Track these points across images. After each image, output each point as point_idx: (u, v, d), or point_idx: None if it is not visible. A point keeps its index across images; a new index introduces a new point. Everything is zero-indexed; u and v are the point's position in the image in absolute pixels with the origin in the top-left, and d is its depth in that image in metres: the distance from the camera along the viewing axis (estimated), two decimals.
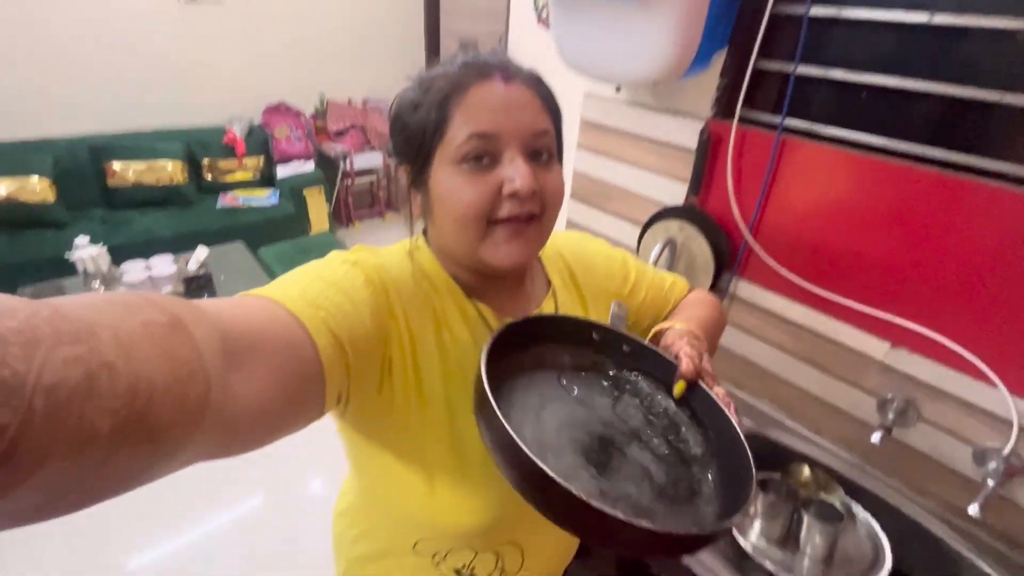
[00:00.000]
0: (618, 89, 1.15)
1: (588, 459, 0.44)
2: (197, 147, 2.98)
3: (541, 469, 0.34)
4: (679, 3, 0.86)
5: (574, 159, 1.33)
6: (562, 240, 0.67)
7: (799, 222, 0.96)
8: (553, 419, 0.47)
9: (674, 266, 1.12)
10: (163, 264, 2.10)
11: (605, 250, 0.69)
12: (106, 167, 2.75)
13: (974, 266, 0.79)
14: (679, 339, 0.53)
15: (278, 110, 3.26)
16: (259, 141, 3.20)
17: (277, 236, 2.82)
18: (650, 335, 0.59)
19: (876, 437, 0.88)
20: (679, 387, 0.50)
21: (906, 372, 0.89)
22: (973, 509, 0.78)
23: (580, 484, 0.39)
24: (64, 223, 2.57)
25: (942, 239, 0.81)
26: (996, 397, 0.80)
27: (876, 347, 0.91)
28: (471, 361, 0.50)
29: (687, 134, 1.06)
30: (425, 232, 0.57)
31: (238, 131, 3.08)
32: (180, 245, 2.48)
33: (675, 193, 1.12)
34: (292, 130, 3.24)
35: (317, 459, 1.79)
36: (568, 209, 1.40)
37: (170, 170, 2.85)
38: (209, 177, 3.04)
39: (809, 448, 0.99)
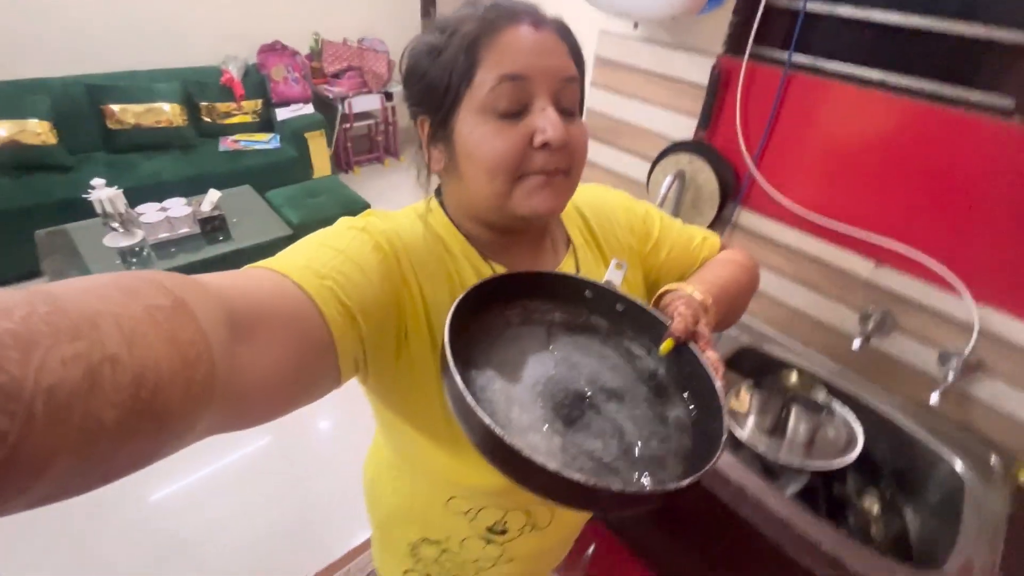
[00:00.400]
0: (636, 25, 1.19)
1: (557, 414, 0.44)
2: (194, 88, 2.93)
3: (480, 419, 0.34)
4: None
5: (588, 97, 1.38)
6: (581, 194, 0.64)
7: (799, 153, 1.05)
8: (531, 375, 0.46)
9: (682, 197, 1.21)
10: (177, 206, 2.15)
11: (626, 203, 0.67)
12: (104, 109, 2.71)
13: (949, 189, 0.89)
14: (677, 299, 0.51)
15: (273, 49, 3.18)
16: (256, 83, 3.15)
17: (281, 180, 2.84)
18: (655, 296, 0.57)
19: (856, 344, 1.01)
20: (666, 345, 0.48)
21: (887, 287, 1.01)
22: (934, 398, 0.92)
23: (536, 438, 0.40)
24: (69, 166, 2.57)
25: (925, 165, 0.91)
26: (961, 306, 0.92)
27: (862, 266, 1.02)
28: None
29: (699, 70, 1.12)
30: (438, 193, 0.56)
31: (234, 72, 3.02)
32: (187, 189, 2.51)
33: (685, 128, 1.19)
34: (289, 71, 3.19)
35: (323, 402, 1.90)
36: None
37: (168, 112, 2.82)
38: (208, 119, 3.01)
39: (798, 358, 1.13)
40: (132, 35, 2.86)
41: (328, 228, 0.47)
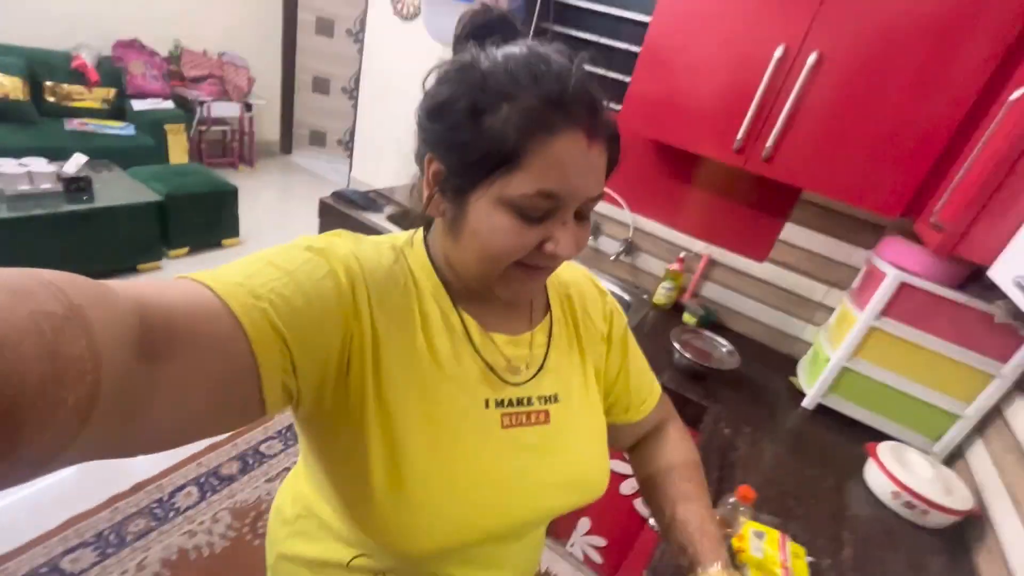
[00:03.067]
0: None
1: None
2: (41, 68, 2.94)
3: None
4: None
5: None
6: (571, 274, 0.66)
7: None
8: None
9: None
10: (38, 164, 2.23)
11: (602, 294, 0.68)
12: None
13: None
14: None
15: (132, 46, 3.32)
16: (110, 73, 3.23)
17: (133, 164, 2.94)
18: None
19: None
20: None
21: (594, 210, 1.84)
22: (612, 257, 1.74)
23: None
24: None
25: None
26: (625, 215, 1.77)
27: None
28: (444, 373, 0.49)
29: None
30: (426, 229, 0.55)
31: (88, 59, 3.09)
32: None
33: None
34: (148, 68, 3.34)
35: None
36: None
37: (7, 85, 2.79)
38: (52, 99, 3.00)
39: None
40: None
41: (282, 245, 0.44)
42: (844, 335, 1.26)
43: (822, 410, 1.33)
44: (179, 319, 0.32)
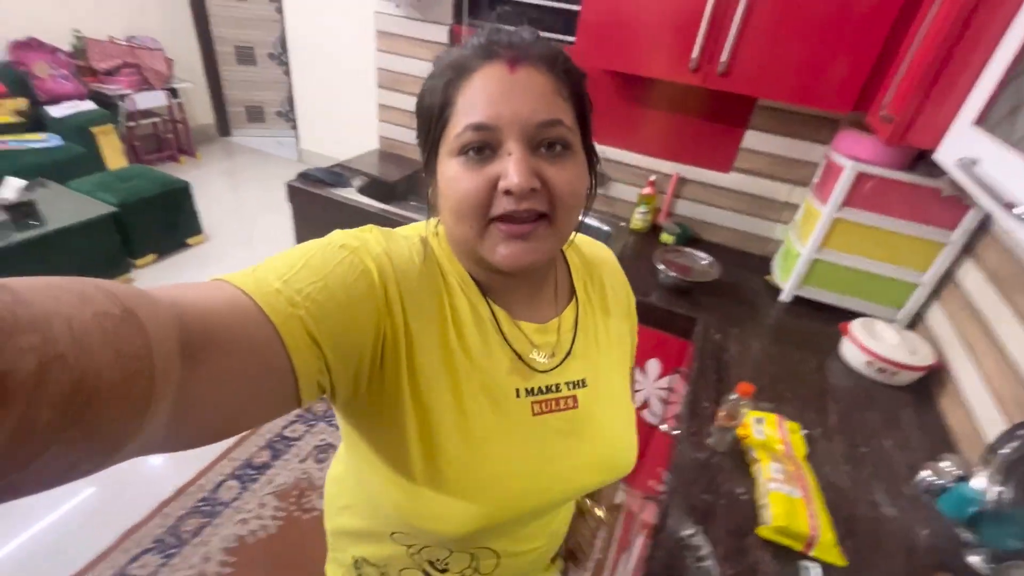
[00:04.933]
0: (398, 5, 1.85)
1: None
2: None
3: None
4: None
5: (376, 59, 2.00)
6: (597, 252, 0.66)
7: None
8: None
9: None
10: None
11: (621, 270, 0.68)
12: None
13: None
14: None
15: (30, 46, 3.02)
16: (13, 80, 2.96)
17: (69, 176, 2.76)
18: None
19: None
20: None
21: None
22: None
23: None
24: None
25: None
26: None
27: None
28: (475, 365, 0.50)
29: (441, 33, 1.83)
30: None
31: None
32: None
33: None
34: (54, 68, 3.06)
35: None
36: (378, 95, 2.07)
37: None
38: None
39: None
40: None
41: (318, 241, 0.45)
42: (811, 229, 1.37)
43: (798, 301, 1.45)
44: (217, 325, 0.33)
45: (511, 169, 0.43)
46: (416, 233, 0.53)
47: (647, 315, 1.42)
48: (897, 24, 1.06)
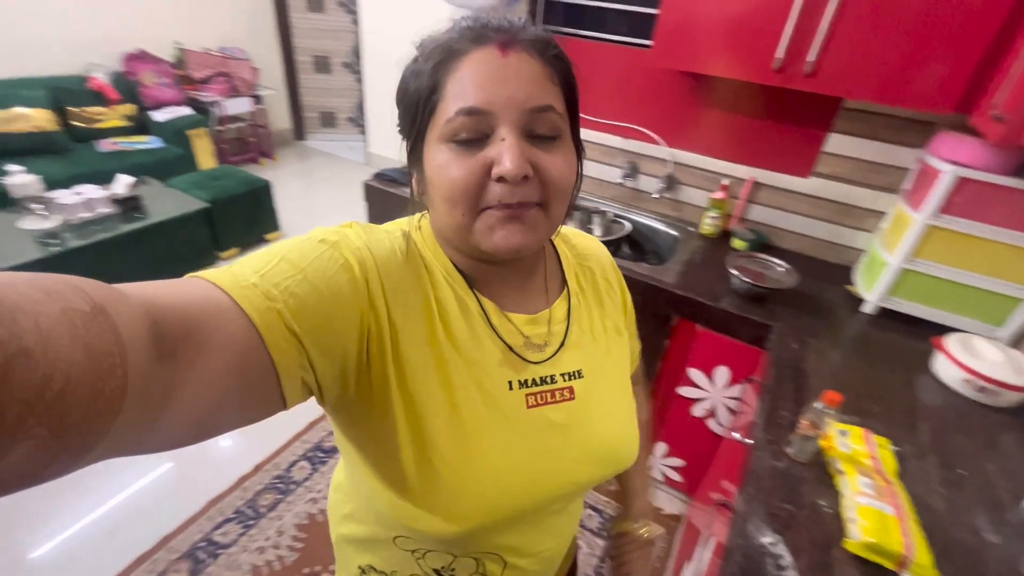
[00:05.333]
0: (474, 14, 1.91)
1: None
2: (63, 95, 3.01)
3: None
4: None
5: None
6: (588, 244, 0.65)
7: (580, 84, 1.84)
8: None
9: None
10: (91, 190, 2.35)
11: (611, 258, 0.68)
12: None
13: (645, 90, 1.74)
14: (635, 552, 0.68)
15: (140, 58, 3.35)
16: (125, 88, 3.29)
17: (169, 175, 3.05)
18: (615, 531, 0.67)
19: (620, 180, 1.83)
20: None
21: (631, 150, 1.84)
22: (654, 195, 1.77)
23: None
24: None
25: (632, 79, 1.74)
26: (662, 151, 1.78)
27: (618, 141, 1.85)
28: (464, 357, 0.49)
29: None
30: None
31: (102, 78, 3.15)
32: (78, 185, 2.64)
33: None
34: (158, 77, 3.38)
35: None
36: None
37: (36, 118, 2.88)
38: (79, 124, 3.09)
39: (596, 204, 1.93)
40: None
41: (297, 238, 0.44)
42: (900, 237, 1.29)
43: (883, 313, 1.37)
44: (191, 321, 0.32)
45: (504, 155, 0.42)
46: (398, 228, 0.52)
47: (716, 321, 1.38)
48: (1013, 15, 0.98)
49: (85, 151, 3.05)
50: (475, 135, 0.43)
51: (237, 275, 0.37)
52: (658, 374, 1.58)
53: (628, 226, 1.77)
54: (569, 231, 0.66)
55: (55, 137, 2.95)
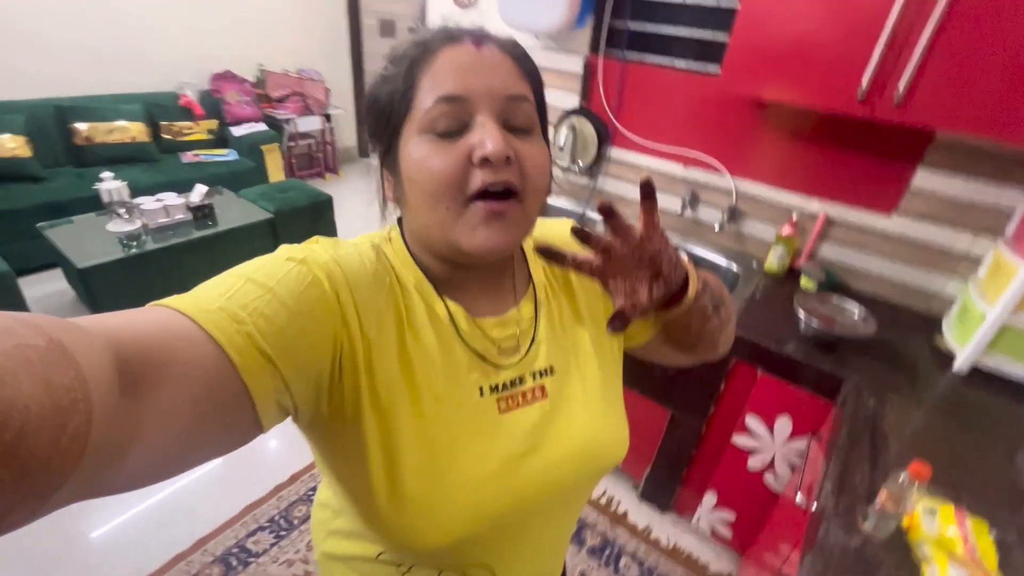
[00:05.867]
0: (537, 37, 1.91)
1: None
2: (155, 110, 3.30)
3: None
4: None
5: None
6: (549, 230, 0.61)
7: (639, 107, 1.79)
8: None
9: (576, 143, 1.92)
10: (170, 198, 2.52)
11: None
12: (71, 128, 3.00)
13: (707, 116, 1.66)
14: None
15: (225, 77, 3.61)
16: (210, 105, 3.55)
17: (241, 186, 3.24)
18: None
19: (679, 209, 1.75)
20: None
21: (691, 179, 1.76)
22: (716, 228, 1.67)
23: None
24: (41, 177, 2.82)
25: (695, 106, 1.68)
26: (725, 181, 1.69)
27: (677, 169, 1.78)
28: (434, 367, 0.48)
29: (576, 64, 1.85)
30: (400, 222, 0.54)
31: (192, 95, 3.41)
32: (160, 192, 2.85)
33: (572, 101, 1.92)
34: (241, 95, 3.63)
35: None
36: None
37: (133, 130, 3.15)
38: (168, 136, 3.36)
39: None
40: (98, 62, 3.19)
41: (263, 258, 0.43)
42: (1002, 288, 1.14)
43: (978, 372, 1.21)
44: (156, 351, 0.31)
45: (487, 138, 0.42)
46: (367, 240, 0.52)
47: (780, 367, 1.27)
48: None
49: (170, 161, 3.30)
50: (454, 123, 0.44)
51: (201, 299, 0.36)
52: (711, 418, 1.47)
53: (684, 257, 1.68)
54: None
55: (146, 148, 3.21)
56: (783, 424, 1.32)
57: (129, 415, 0.27)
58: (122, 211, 2.34)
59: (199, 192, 2.58)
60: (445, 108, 0.43)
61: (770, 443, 1.36)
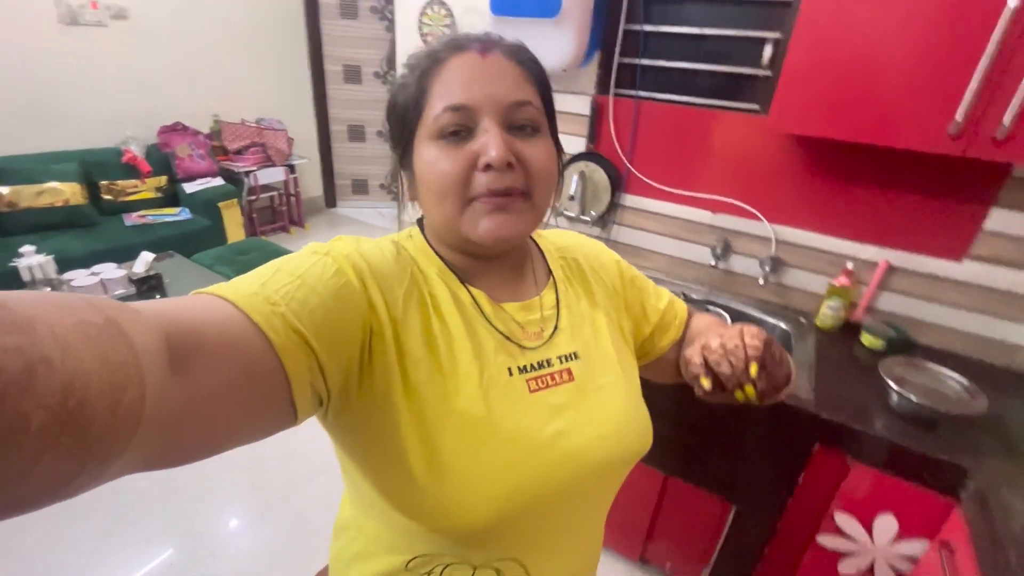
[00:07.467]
0: None
1: None
2: (94, 168, 2.93)
3: None
4: (576, 22, 1.45)
5: None
6: (569, 239, 0.67)
7: (655, 149, 1.61)
8: None
9: (586, 190, 1.71)
10: (109, 270, 2.16)
11: (617, 258, 0.70)
12: None
13: (738, 158, 1.48)
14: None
15: (175, 129, 3.30)
16: (158, 160, 3.21)
17: (195, 249, 2.89)
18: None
19: (711, 260, 1.54)
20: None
21: (721, 226, 1.57)
22: (760, 280, 1.46)
23: None
24: None
25: (724, 147, 1.50)
26: (763, 228, 1.50)
27: (705, 216, 1.58)
28: (462, 348, 0.49)
29: (582, 105, 1.66)
30: (421, 220, 0.57)
31: (136, 150, 3.08)
32: (97, 263, 2.47)
33: (579, 144, 1.72)
34: (193, 148, 3.31)
35: (234, 495, 1.78)
36: None
37: (66, 192, 2.78)
38: (109, 197, 2.99)
39: (680, 287, 1.64)
40: (27, 120, 2.83)
41: (290, 254, 0.46)
42: None
43: None
44: (202, 331, 0.33)
45: (489, 144, 0.46)
46: (386, 239, 0.54)
47: (875, 453, 1.04)
48: None
49: (111, 225, 2.93)
50: (461, 130, 0.47)
51: (239, 287, 0.39)
52: (785, 511, 1.22)
53: (725, 316, 1.47)
54: (549, 232, 0.67)
55: (82, 211, 2.83)
56: (886, 524, 1.08)
57: (178, 391, 0.29)
58: (47, 290, 1.96)
59: (144, 261, 2.23)
60: (452, 116, 0.46)
61: (869, 546, 1.11)
